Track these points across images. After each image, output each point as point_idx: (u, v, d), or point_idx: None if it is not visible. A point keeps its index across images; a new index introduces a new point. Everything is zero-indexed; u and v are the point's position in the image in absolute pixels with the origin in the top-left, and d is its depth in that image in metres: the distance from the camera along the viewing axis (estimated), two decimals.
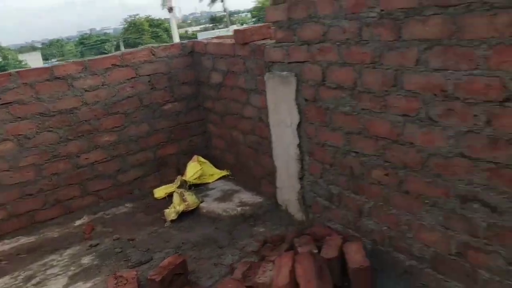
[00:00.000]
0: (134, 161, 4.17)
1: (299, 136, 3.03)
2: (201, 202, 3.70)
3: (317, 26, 2.62)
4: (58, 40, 71.36)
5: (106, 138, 3.98)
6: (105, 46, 63.40)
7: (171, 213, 3.55)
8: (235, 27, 49.46)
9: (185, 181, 3.98)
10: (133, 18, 65.72)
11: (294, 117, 3.01)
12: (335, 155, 2.79)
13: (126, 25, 65.42)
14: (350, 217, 2.80)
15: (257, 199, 3.65)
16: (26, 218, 3.73)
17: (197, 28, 75.21)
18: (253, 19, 49.15)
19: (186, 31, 66.79)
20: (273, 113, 3.22)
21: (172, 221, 3.49)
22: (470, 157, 1.98)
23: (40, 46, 75.43)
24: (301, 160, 3.08)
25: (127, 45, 59.02)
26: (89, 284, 2.86)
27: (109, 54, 4.08)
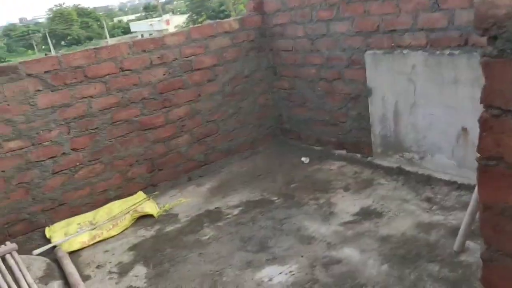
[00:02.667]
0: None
1: None
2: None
3: None
4: None
5: None
6: (34, 38, 60.68)
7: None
8: (168, 16, 49.28)
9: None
10: (59, 7, 62.54)
11: None
12: None
13: (51, 15, 61.93)
14: None
15: None
16: None
17: (133, 17, 73.17)
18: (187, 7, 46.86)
19: (120, 21, 64.91)
20: None
21: None
22: None
23: None
24: None
25: (54, 37, 56.98)
26: None
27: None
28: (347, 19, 3.69)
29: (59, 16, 60.51)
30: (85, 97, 3.63)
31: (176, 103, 4.10)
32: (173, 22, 45.43)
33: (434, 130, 3.35)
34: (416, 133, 3.48)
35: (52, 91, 3.47)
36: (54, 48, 54.94)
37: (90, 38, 58.16)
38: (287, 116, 4.70)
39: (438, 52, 3.14)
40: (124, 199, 3.84)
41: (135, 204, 3.71)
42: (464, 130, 3.16)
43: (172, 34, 4.06)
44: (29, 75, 3.35)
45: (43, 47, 59.76)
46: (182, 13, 57.23)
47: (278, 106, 4.74)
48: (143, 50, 3.86)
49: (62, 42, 60.64)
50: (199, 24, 4.50)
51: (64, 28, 58.63)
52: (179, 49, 4.04)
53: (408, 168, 3.60)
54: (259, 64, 4.56)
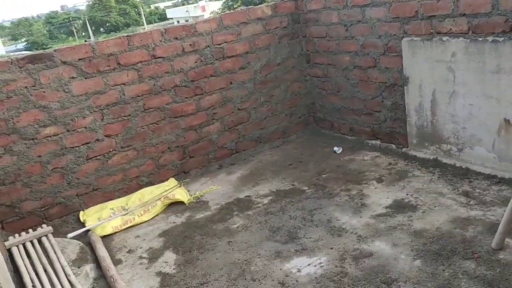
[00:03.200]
0: None
1: None
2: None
3: None
4: (26, 19, 69.62)
5: None
6: (75, 25, 62.18)
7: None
8: (203, 2, 48.96)
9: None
10: None
11: None
12: None
13: (90, 2, 63.12)
14: None
15: None
16: None
17: (169, 3, 73.42)
18: None
19: (157, 7, 64.76)
20: None
21: None
22: None
23: (8, 25, 72.97)
24: None
25: (94, 24, 58.01)
26: None
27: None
28: (384, 4, 3.55)
29: (98, 3, 61.89)
30: (118, 84, 3.67)
31: (208, 91, 4.09)
32: (209, 8, 45.53)
33: (474, 121, 3.20)
34: (454, 124, 3.34)
35: (86, 78, 3.52)
36: (94, 35, 56.24)
37: (128, 25, 59.10)
38: (320, 105, 4.62)
39: (480, 39, 2.98)
40: (156, 186, 3.88)
41: (166, 190, 3.74)
42: (507, 122, 3.00)
43: (204, 21, 4.03)
44: (64, 62, 3.41)
45: (83, 33, 61.22)
46: None
47: (310, 94, 4.66)
48: (175, 38, 3.86)
49: (101, 29, 61.93)
50: (232, 11, 4.44)
51: (103, 15, 59.93)
52: (211, 36, 4.02)
53: (445, 160, 3.47)
54: (292, 51, 4.49)
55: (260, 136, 4.46)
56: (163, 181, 3.95)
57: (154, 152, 3.92)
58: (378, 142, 4.06)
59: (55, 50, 3.41)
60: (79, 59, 3.48)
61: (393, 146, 3.92)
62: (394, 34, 3.56)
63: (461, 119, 3.28)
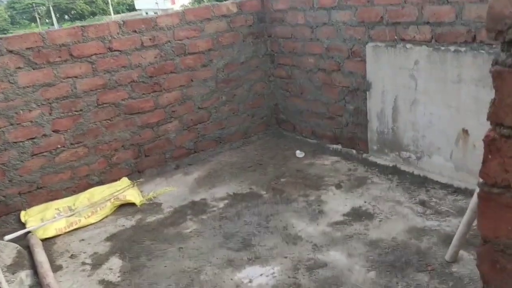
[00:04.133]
0: None
1: None
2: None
3: None
4: None
5: None
6: (38, 11, 59.78)
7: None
8: None
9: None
10: None
11: None
12: None
13: None
14: None
15: None
16: None
17: None
18: None
19: None
20: None
21: None
22: None
23: None
24: None
25: (58, 11, 56.33)
26: None
27: None
28: (350, 8, 3.49)
29: None
30: (70, 77, 3.45)
31: (167, 88, 3.92)
32: (179, 1, 44.83)
33: (433, 129, 3.18)
34: (414, 132, 3.31)
35: (34, 69, 3.29)
36: (58, 22, 54.46)
37: (94, 14, 57.55)
38: (283, 106, 4.53)
39: (443, 48, 2.96)
40: (107, 185, 3.69)
41: (118, 190, 3.56)
42: (465, 131, 3.00)
43: (166, 15, 3.85)
44: (10, 51, 3.17)
45: (47, 20, 59.21)
46: None
47: (274, 96, 4.56)
48: (134, 31, 3.67)
49: (66, 17, 60.05)
50: (196, 6, 4.28)
51: (68, 3, 58.17)
52: (172, 31, 3.85)
53: (404, 167, 3.44)
54: (256, 51, 4.37)
55: (220, 137, 4.33)
56: (115, 180, 3.76)
57: (107, 149, 3.72)
58: (339, 146, 4.01)
59: (0, 38, 3.17)
60: (27, 48, 3.25)
61: (354, 151, 3.87)
62: (359, 39, 3.50)
63: (421, 127, 3.26)
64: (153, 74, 3.82)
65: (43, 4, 63.48)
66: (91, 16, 55.30)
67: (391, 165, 3.53)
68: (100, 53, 3.55)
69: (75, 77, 3.47)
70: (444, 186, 3.13)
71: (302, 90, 4.24)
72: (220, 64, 4.17)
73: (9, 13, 62.62)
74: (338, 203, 3.12)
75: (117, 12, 57.12)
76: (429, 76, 3.09)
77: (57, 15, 58.21)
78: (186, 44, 3.94)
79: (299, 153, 4.05)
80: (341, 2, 3.54)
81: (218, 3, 4.20)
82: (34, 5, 62.70)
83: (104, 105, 3.64)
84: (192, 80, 4.04)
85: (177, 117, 4.03)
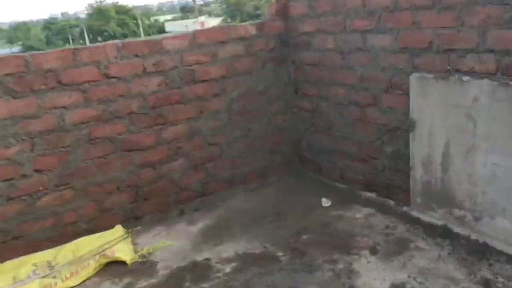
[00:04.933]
0: None
1: None
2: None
3: None
4: (25, 23, 68.14)
5: None
6: (72, 32, 61.63)
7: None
8: (203, 18, 49.10)
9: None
10: (99, 3, 62.10)
11: None
12: None
13: (91, 11, 61.92)
14: None
15: None
16: None
17: (170, 17, 73.33)
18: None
19: (156, 20, 65.37)
20: None
21: None
22: None
23: (7, 28, 71.70)
24: None
25: (91, 33, 57.87)
26: None
27: None
28: (390, 31, 2.89)
29: (98, 12, 61.67)
30: (57, 108, 2.96)
31: (172, 120, 3.38)
32: (208, 24, 45.23)
33: (498, 185, 2.50)
34: (472, 186, 2.64)
35: (14, 98, 2.81)
36: (90, 43, 55.97)
37: (125, 35, 58.80)
38: (307, 143, 3.91)
39: None
40: (97, 234, 3.13)
41: (109, 241, 3.00)
42: None
43: (173, 37, 3.34)
44: None
45: (81, 41, 60.93)
46: (218, 15, 57.22)
47: (297, 130, 3.96)
48: (135, 55, 3.17)
49: (99, 38, 61.65)
50: (209, 27, 3.77)
51: (101, 24, 59.63)
52: (180, 55, 3.33)
53: (457, 229, 2.76)
54: (278, 79, 3.80)
55: (233, 177, 3.74)
56: (107, 228, 3.19)
57: (99, 192, 3.18)
58: (373, 195, 3.35)
59: None
60: (6, 74, 2.77)
61: (392, 202, 3.21)
62: (401, 68, 2.88)
63: (481, 180, 2.58)
64: (156, 105, 3.29)
65: (77, 26, 65.51)
66: (123, 38, 56.62)
67: (440, 224, 2.85)
68: (94, 80, 3.05)
69: (64, 107, 2.97)
70: None
71: (330, 126, 3.62)
72: (235, 93, 3.61)
73: (44, 33, 64.74)
74: (374, 276, 2.46)
75: (147, 34, 58.17)
76: (493, 117, 2.43)
77: (90, 36, 59.71)
78: (196, 70, 3.41)
79: (325, 201, 3.41)
80: (380, 24, 2.94)
81: (235, 24, 3.67)
82: (68, 26, 64.75)
83: (97, 140, 3.12)
84: (201, 112, 3.49)
85: (183, 155, 3.47)
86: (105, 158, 3.16)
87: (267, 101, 3.78)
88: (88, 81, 3.03)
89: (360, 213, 3.21)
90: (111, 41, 3.20)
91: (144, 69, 3.21)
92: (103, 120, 3.11)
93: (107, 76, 3.08)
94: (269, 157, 3.89)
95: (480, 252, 2.54)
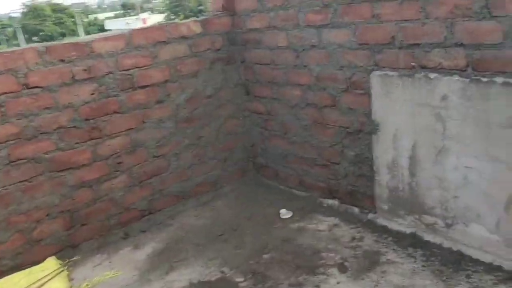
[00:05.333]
0: None
1: None
2: None
3: None
4: None
5: None
6: (5, 32, 58.35)
7: None
8: (146, 15, 48.32)
9: None
10: (33, 1, 59.40)
11: None
12: None
13: (26, 10, 59.01)
14: None
15: None
16: None
17: (111, 14, 71.06)
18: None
19: (96, 18, 63.82)
20: None
21: None
22: None
23: None
24: None
25: (27, 33, 55.11)
26: None
27: None
28: (348, 25, 2.64)
29: (33, 11, 58.38)
30: None
31: (110, 133, 2.98)
32: (151, 21, 43.99)
33: (471, 189, 2.32)
34: (443, 191, 2.44)
35: None
36: (27, 43, 53.04)
37: (63, 35, 56.16)
38: (262, 149, 3.63)
39: (485, 80, 2.11)
40: (26, 271, 2.69)
41: (40, 279, 2.57)
42: None
43: (105, 38, 2.92)
44: None
45: (14, 42, 57.63)
46: (161, 12, 55.88)
47: (250, 135, 3.66)
48: (60, 60, 2.74)
49: (35, 38, 58.54)
50: (148, 26, 3.38)
51: (37, 24, 56.55)
52: (115, 59, 2.93)
53: (428, 237, 2.57)
54: (227, 80, 3.48)
55: (183, 190, 3.38)
56: (38, 262, 2.75)
57: (25, 221, 2.73)
58: (336, 202, 3.12)
59: None
60: None
61: (356, 209, 2.98)
62: (361, 66, 2.64)
63: (452, 185, 2.39)
64: (89, 116, 2.88)
65: (10, 25, 61.83)
66: (61, 37, 53.94)
67: (408, 232, 2.65)
68: (11, 91, 2.60)
69: None
70: (491, 268, 2.25)
71: (285, 129, 3.35)
72: (181, 99, 3.25)
73: None
74: None
75: (87, 33, 55.76)
76: (464, 117, 2.24)
77: (26, 36, 56.56)
78: (134, 75, 3.02)
79: (284, 213, 3.13)
80: (336, 18, 2.68)
81: (176, 22, 3.31)
82: (0, 26, 60.96)
83: (20, 161, 2.67)
84: (144, 122, 3.11)
85: (125, 170, 3.07)
86: (30, 181, 2.71)
87: (217, 105, 3.45)
88: (4, 93, 2.57)
89: (323, 224, 2.95)
90: (30, 45, 2.75)
91: (73, 76, 2.78)
92: (25, 137, 2.66)
93: (27, 86, 2.64)
94: (222, 165, 3.57)
95: (455, 262, 2.35)
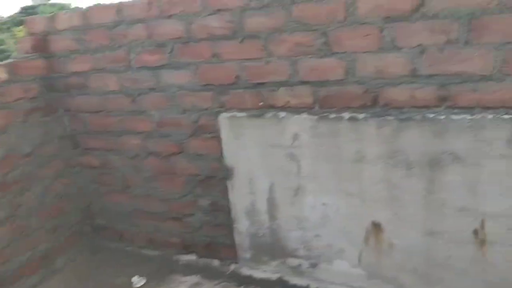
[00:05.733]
0: None
1: None
2: None
3: None
4: None
5: None
6: None
7: None
8: None
9: None
10: None
11: None
12: None
13: None
14: None
15: None
16: None
17: None
18: None
19: None
20: None
21: None
22: None
23: None
24: None
25: None
26: None
27: None
28: (187, 66, 2.43)
29: None
30: None
31: None
32: None
33: (330, 226, 2.29)
34: (303, 231, 2.37)
35: None
36: None
37: None
38: (100, 208, 3.14)
39: (332, 116, 2.12)
40: None
41: None
42: (376, 226, 2.18)
43: None
44: None
45: None
46: None
47: (84, 194, 3.14)
48: None
49: None
50: None
51: None
52: None
53: (294, 280, 2.46)
54: (49, 133, 2.93)
55: (1, 277, 2.68)
56: None
57: None
58: (194, 257, 2.82)
59: None
60: None
61: (217, 262, 2.74)
62: (207, 108, 2.45)
63: (312, 224, 2.33)
64: None
65: None
66: None
67: (275, 277, 2.51)
68: None
69: None
70: None
71: (126, 183, 2.95)
72: None
73: None
74: None
75: None
76: (317, 154, 2.21)
77: None
78: None
79: (137, 280, 2.71)
80: (174, 58, 2.46)
81: None
82: None
83: None
84: None
85: None
86: None
87: (39, 163, 2.86)
88: None
89: (183, 285, 2.63)
90: None
91: None
92: None
93: None
94: (52, 235, 2.96)
95: None
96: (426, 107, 1.92)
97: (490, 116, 1.81)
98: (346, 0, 1.93)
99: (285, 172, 2.31)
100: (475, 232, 1.96)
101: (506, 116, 1.78)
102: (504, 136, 1.80)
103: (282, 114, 2.23)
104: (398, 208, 2.09)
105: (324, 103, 2.13)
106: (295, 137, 2.23)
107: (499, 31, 1.70)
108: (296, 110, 2.20)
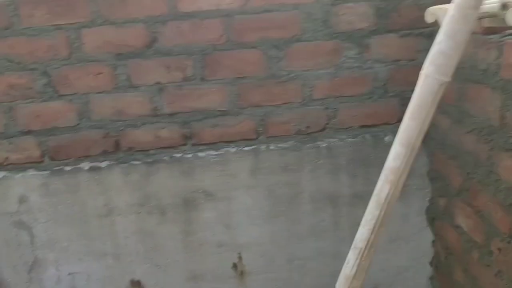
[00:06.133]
0: None
1: None
2: None
3: None
4: None
5: None
6: None
7: None
8: None
9: None
10: None
11: None
12: None
13: None
14: None
15: None
16: None
17: None
18: None
19: None
20: None
21: None
22: None
23: None
24: None
25: None
26: None
27: None
28: None
29: None
30: None
31: None
32: None
33: None
34: None
35: None
36: None
37: None
38: None
39: (68, 168, 1.79)
40: None
41: None
42: (135, 284, 1.95)
43: None
44: None
45: None
46: None
47: None
48: None
49: None
50: None
51: None
52: None
53: None
54: None
55: None
56: None
57: None
58: None
59: None
60: None
61: None
62: None
63: None
64: None
65: None
66: None
67: None
68: None
69: None
70: None
71: None
72: None
73: None
74: None
75: None
76: (54, 217, 1.83)
77: None
78: None
79: None
80: None
81: None
82: None
83: None
84: None
85: None
86: None
87: None
88: None
89: None
90: None
91: None
92: None
93: None
94: None
95: None
96: (173, 147, 1.82)
97: (233, 150, 1.84)
98: (69, 34, 1.66)
99: (15, 245, 1.83)
100: (235, 265, 1.97)
101: (246, 148, 1.84)
102: (246, 168, 1.86)
103: (1, 174, 1.77)
104: (159, 258, 1.92)
105: (56, 155, 1.78)
106: (22, 200, 1.79)
107: (231, 66, 1.75)
108: (20, 167, 1.77)
